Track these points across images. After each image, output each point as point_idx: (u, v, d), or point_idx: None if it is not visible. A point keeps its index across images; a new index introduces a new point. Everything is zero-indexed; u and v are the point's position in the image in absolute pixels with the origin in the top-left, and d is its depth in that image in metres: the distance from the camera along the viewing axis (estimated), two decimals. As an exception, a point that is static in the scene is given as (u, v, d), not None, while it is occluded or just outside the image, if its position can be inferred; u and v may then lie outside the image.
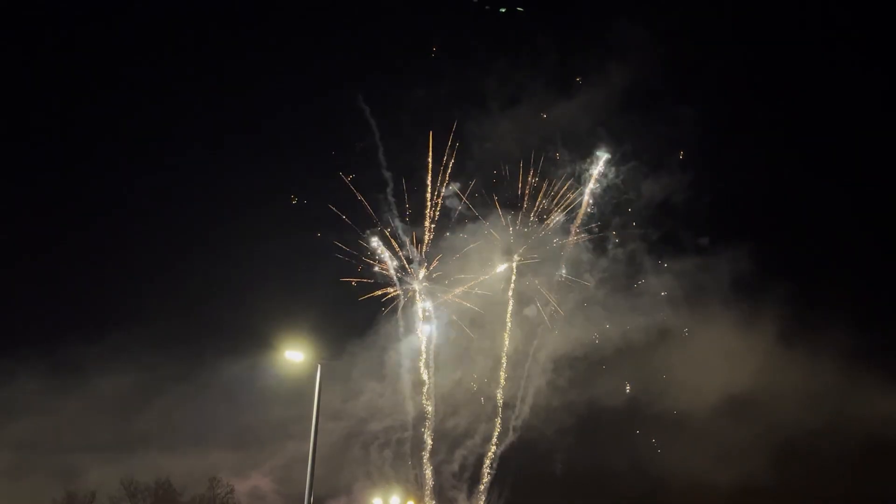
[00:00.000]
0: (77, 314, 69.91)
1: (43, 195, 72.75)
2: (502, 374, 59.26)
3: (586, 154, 59.98)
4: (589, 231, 60.47)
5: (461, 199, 58.89)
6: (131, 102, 72.85)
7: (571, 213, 59.99)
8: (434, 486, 58.98)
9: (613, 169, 60.15)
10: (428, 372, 59.25)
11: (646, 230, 61.30)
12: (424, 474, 58.76)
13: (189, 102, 72.27)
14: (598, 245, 60.91)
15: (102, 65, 72.86)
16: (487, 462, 59.14)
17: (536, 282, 59.58)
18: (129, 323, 65.83)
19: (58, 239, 71.64)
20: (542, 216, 59.63)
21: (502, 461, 59.20)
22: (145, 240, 72.12)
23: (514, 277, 59.50)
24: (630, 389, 60.99)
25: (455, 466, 59.40)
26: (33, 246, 70.84)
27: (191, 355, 62.34)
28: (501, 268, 59.34)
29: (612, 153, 59.95)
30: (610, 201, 60.61)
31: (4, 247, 68.50)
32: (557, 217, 59.43)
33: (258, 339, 53.88)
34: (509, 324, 59.56)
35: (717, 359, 62.16)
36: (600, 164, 59.74)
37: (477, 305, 59.14)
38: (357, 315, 60.24)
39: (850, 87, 69.08)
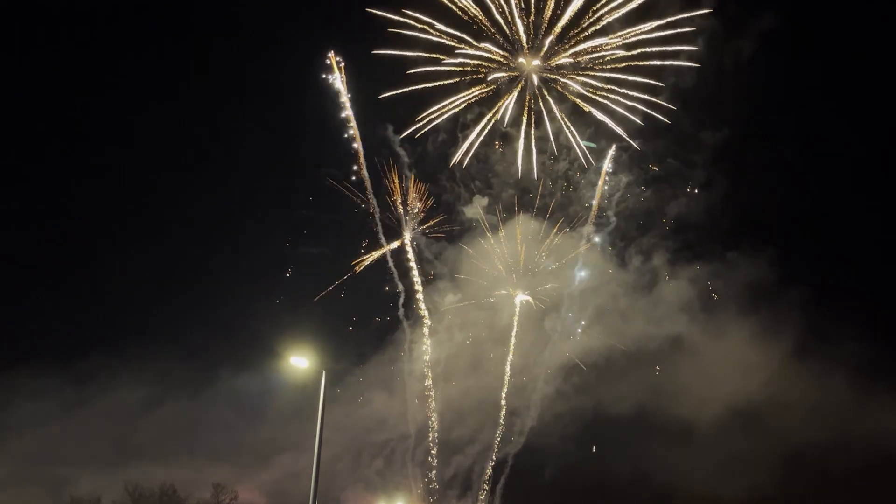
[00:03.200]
0: (84, 329, 71.05)
1: (51, 208, 74.25)
2: (506, 380, 59.46)
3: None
4: (610, 242, 61.53)
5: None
6: (152, 121, 73.08)
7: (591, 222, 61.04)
8: (435, 492, 59.02)
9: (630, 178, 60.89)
10: (433, 379, 59.55)
11: (664, 241, 62.07)
12: (425, 480, 58.82)
13: (206, 122, 72.95)
14: (616, 254, 62.02)
15: (116, 71, 73.72)
16: (490, 469, 59.24)
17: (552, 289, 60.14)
18: (135, 335, 66.72)
19: (66, 254, 72.89)
20: (564, 226, 60.82)
21: (507, 468, 59.34)
22: (152, 253, 72.76)
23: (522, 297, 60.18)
24: (638, 398, 60.98)
25: (458, 473, 59.53)
26: (46, 261, 72.55)
27: (197, 367, 63.35)
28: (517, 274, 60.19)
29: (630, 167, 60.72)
30: (629, 212, 61.76)
31: (19, 265, 70.21)
32: (578, 225, 60.67)
33: (264, 348, 54.69)
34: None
35: (728, 369, 62.13)
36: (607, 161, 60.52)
37: (491, 314, 59.94)
38: (364, 325, 60.70)
39: (870, 99, 69.24)
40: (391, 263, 60.60)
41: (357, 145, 58.95)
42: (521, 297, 59.75)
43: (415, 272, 60.75)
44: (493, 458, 59.44)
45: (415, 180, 60.52)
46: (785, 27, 61.31)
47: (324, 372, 29.83)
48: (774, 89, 64.97)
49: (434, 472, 59.22)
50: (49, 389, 62.09)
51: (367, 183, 59.72)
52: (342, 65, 57.52)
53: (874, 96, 68.77)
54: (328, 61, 57.37)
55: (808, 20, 64.75)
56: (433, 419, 59.47)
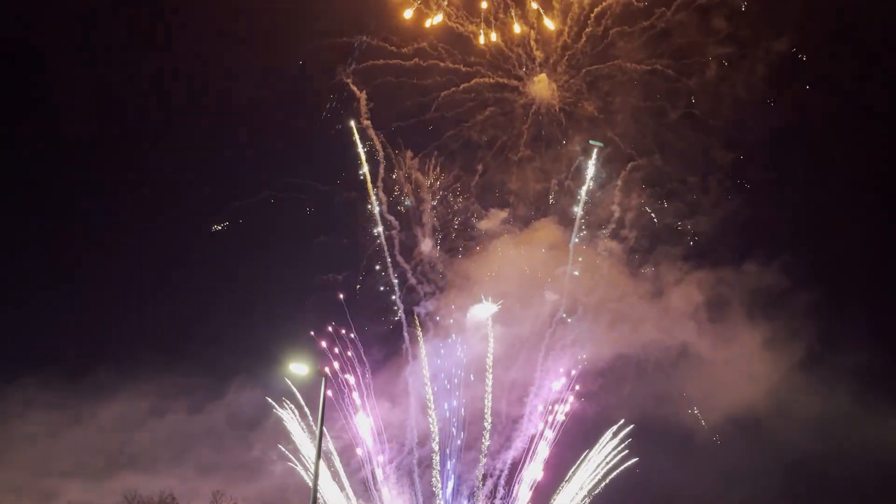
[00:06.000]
0: (94, 341, 71.56)
1: (63, 219, 74.64)
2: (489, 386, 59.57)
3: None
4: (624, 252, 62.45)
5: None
6: (170, 138, 73.43)
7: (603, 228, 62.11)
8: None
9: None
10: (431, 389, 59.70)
11: (674, 250, 63.15)
12: (412, 489, 58.76)
13: (211, 138, 73.15)
14: (628, 264, 62.85)
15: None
16: (487, 477, 59.14)
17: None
18: (144, 349, 67.06)
19: (78, 267, 73.45)
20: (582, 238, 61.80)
21: (503, 476, 59.27)
22: (166, 267, 73.37)
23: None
24: (641, 404, 61.00)
25: (454, 481, 59.43)
26: (57, 273, 73.17)
27: (206, 381, 63.94)
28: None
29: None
30: (643, 224, 62.85)
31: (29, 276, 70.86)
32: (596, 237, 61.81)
33: (274, 363, 54.96)
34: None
35: (733, 378, 62.32)
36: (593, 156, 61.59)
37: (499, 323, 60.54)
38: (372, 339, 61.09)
39: (882, 107, 69.79)
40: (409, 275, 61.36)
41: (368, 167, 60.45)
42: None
43: (424, 284, 61.43)
44: (490, 465, 59.41)
45: (432, 199, 61.52)
46: (794, 50, 62.86)
47: (324, 378, 30.03)
48: (784, 108, 66.12)
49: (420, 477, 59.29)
50: (56, 401, 62.93)
51: (379, 203, 60.79)
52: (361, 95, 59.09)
53: (881, 112, 69.62)
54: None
55: (814, 42, 66.14)
56: (433, 429, 59.51)
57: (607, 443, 56.50)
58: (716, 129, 62.82)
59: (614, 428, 56.54)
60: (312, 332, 57.48)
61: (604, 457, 56.21)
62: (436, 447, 58.70)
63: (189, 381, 63.94)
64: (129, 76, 73.04)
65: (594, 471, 56.31)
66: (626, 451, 56.28)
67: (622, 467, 56.18)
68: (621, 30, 59.98)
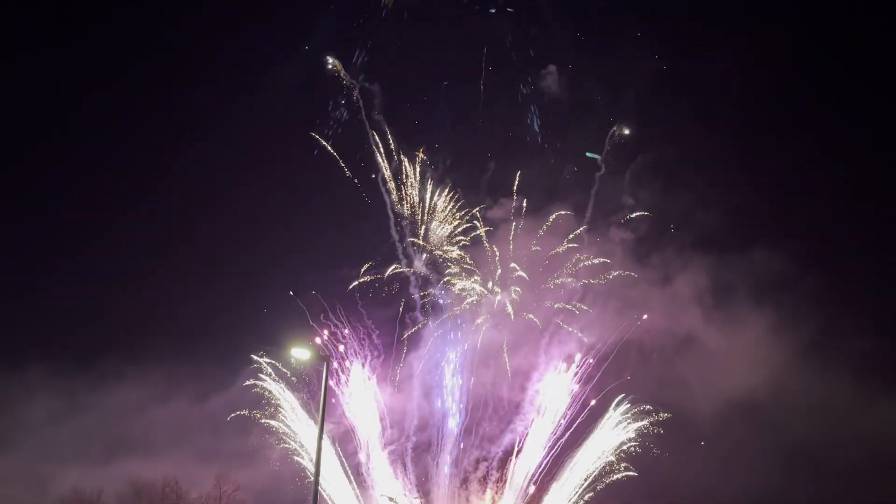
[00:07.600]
0: (102, 329, 71.97)
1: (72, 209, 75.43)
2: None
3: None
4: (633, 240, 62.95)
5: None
6: (185, 133, 75.02)
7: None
8: (440, 486, 59.23)
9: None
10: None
11: (680, 237, 63.99)
12: (432, 473, 58.98)
13: (217, 142, 73.39)
14: (636, 251, 63.37)
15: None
16: (481, 461, 59.37)
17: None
18: (153, 338, 67.93)
19: (88, 255, 74.78)
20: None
21: (498, 462, 59.50)
22: (178, 260, 73.85)
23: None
24: (642, 390, 61.05)
25: (460, 469, 59.68)
26: (66, 262, 74.88)
27: (217, 371, 64.07)
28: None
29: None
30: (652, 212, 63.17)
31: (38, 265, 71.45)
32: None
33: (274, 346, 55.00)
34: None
35: (734, 364, 62.43)
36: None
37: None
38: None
39: (880, 102, 70.03)
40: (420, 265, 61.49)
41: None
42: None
43: (434, 274, 61.65)
44: (487, 449, 59.68)
45: (449, 196, 61.57)
46: (801, 52, 63.15)
47: (325, 363, 29.87)
48: (792, 106, 66.35)
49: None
50: (62, 388, 63.85)
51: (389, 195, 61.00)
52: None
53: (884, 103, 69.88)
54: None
55: (818, 46, 66.43)
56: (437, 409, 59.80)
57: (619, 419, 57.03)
58: (724, 119, 63.10)
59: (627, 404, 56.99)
60: (322, 318, 57.69)
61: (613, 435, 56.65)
62: (436, 432, 59.31)
63: (196, 369, 64.55)
64: (144, 72, 73.44)
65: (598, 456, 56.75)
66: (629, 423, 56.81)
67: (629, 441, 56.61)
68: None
